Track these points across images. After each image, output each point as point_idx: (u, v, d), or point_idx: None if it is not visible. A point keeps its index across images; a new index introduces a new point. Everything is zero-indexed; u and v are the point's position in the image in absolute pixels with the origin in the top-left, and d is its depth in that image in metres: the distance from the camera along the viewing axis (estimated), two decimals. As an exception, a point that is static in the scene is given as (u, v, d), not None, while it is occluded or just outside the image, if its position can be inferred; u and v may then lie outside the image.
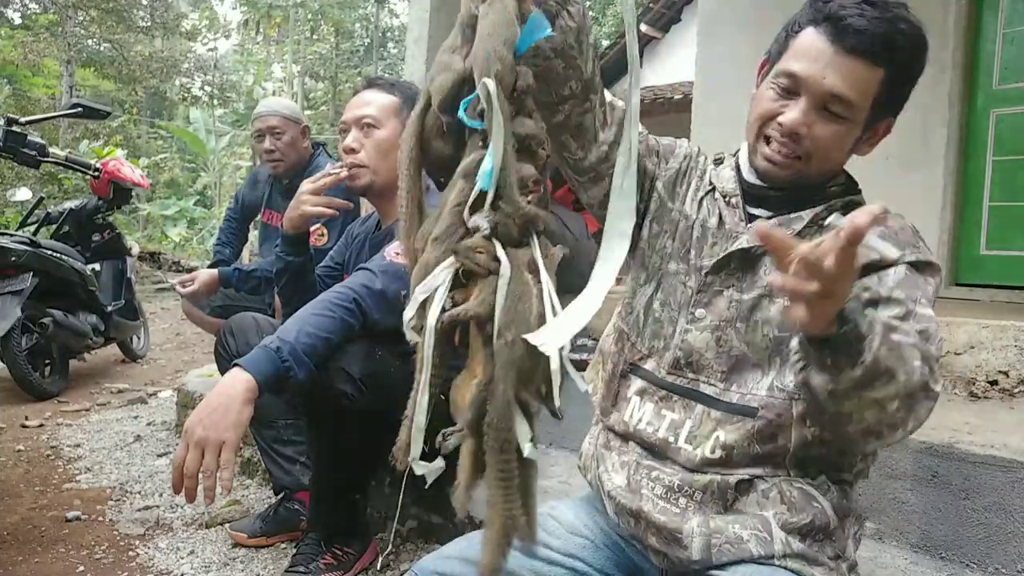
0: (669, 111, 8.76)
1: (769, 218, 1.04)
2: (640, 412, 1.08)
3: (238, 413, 1.28)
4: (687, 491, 1.00)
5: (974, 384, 2.12)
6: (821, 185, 1.04)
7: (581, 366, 2.53)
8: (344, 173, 1.79)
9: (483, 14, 0.85)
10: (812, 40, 0.97)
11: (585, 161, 1.07)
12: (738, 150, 1.13)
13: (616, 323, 1.18)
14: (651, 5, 10.60)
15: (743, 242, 1.03)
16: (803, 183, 1.02)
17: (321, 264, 2.06)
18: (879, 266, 0.95)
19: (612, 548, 1.11)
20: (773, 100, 1.00)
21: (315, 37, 21.67)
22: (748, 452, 0.99)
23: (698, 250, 1.07)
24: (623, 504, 1.05)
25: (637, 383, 1.10)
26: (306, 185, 1.80)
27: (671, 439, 1.03)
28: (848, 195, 1.05)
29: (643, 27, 10.76)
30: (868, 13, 0.94)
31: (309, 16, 20.32)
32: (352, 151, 1.78)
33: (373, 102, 1.80)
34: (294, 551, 1.79)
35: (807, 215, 1.02)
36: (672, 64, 10.25)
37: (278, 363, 1.40)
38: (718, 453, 1.00)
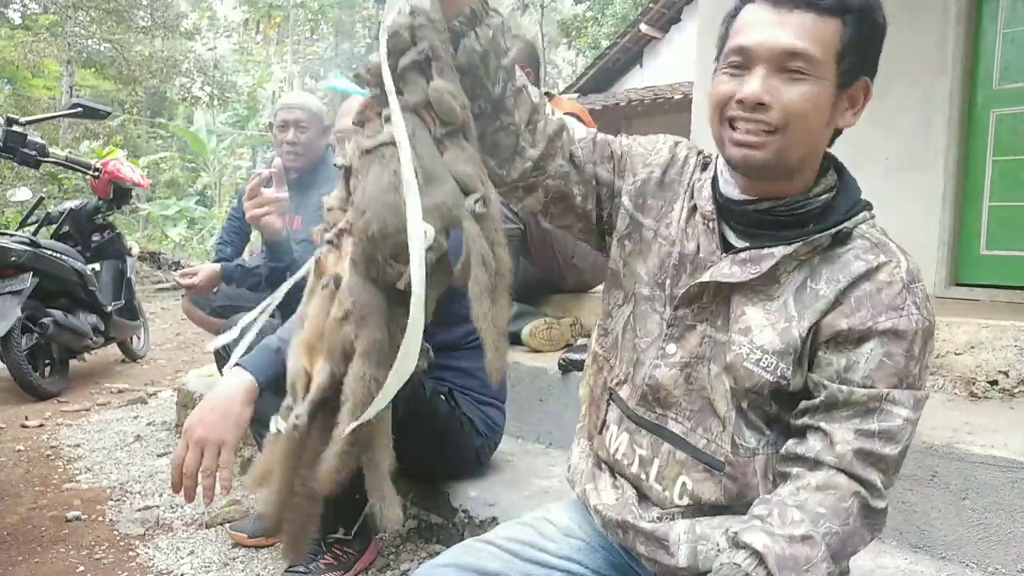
0: (669, 111, 8.77)
1: (743, 249, 0.95)
2: (618, 441, 1.05)
3: (238, 414, 1.27)
4: (669, 516, 1.00)
5: (974, 384, 2.12)
6: (805, 190, 0.95)
7: (581, 365, 2.52)
8: (266, 173, 1.80)
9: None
10: (752, 12, 0.92)
11: (508, 177, 1.00)
12: (716, 154, 1.05)
13: (593, 347, 1.14)
14: (651, 5, 10.60)
15: (707, 277, 0.95)
16: (783, 167, 0.92)
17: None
18: (850, 337, 0.89)
19: (608, 549, 1.10)
20: (727, 82, 0.92)
21: (315, 37, 21.68)
22: (716, 505, 0.97)
23: (675, 279, 1.01)
24: (610, 517, 1.04)
25: (615, 410, 1.07)
26: (245, 199, 1.81)
27: (643, 476, 1.02)
28: (839, 215, 0.93)
29: (643, 27, 10.77)
30: None
31: (309, 16, 20.33)
32: None
33: None
34: (294, 551, 1.78)
35: (779, 252, 0.92)
36: (672, 64, 10.26)
37: (278, 363, 1.39)
38: (686, 500, 0.98)
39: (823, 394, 0.90)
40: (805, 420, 0.92)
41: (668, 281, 1.01)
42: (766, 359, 0.92)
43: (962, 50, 3.44)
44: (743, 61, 0.91)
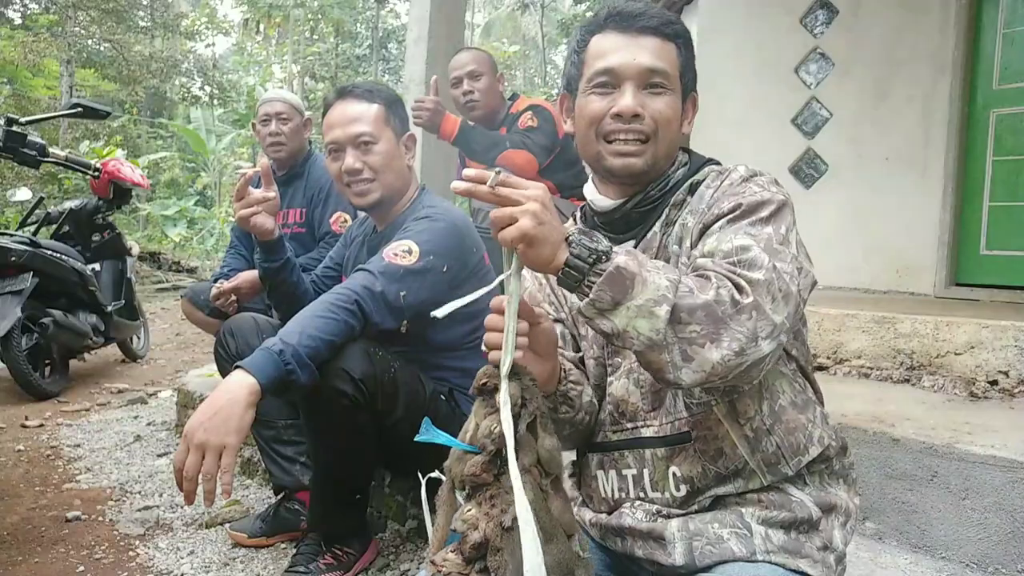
0: (669, 111, 8.75)
1: (634, 245, 1.06)
2: (608, 482, 1.10)
3: (240, 417, 1.26)
4: (665, 514, 1.03)
5: (974, 384, 2.12)
6: (667, 174, 1.07)
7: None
8: (250, 173, 1.80)
9: None
10: (605, 40, 1.05)
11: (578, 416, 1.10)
12: (577, 208, 1.18)
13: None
14: (651, 5, 10.60)
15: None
16: (656, 170, 1.05)
17: (322, 265, 2.06)
18: (704, 230, 0.98)
19: (603, 551, 1.12)
20: (598, 101, 1.04)
21: (315, 37, 21.67)
22: (708, 475, 1.01)
23: (582, 323, 1.11)
24: (606, 525, 1.07)
25: (595, 458, 1.12)
26: (234, 200, 1.79)
27: (642, 494, 1.06)
28: (691, 176, 1.07)
29: (643, 27, 10.75)
30: (633, 6, 1.05)
31: (309, 16, 20.32)
32: (357, 171, 1.76)
33: (362, 116, 1.76)
34: (294, 551, 1.78)
35: (658, 227, 1.05)
36: (672, 64, 10.25)
37: (281, 366, 1.39)
38: (683, 489, 1.01)
39: (692, 265, 0.96)
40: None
41: (582, 330, 1.14)
42: None
43: (962, 50, 3.44)
44: (610, 80, 1.04)
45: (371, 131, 1.76)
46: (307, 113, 2.98)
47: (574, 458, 1.22)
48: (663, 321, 0.83)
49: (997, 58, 3.41)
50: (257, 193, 1.77)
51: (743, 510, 0.99)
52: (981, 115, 3.46)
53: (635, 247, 1.05)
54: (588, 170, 1.15)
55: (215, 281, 2.84)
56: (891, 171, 3.61)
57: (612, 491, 1.09)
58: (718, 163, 1.10)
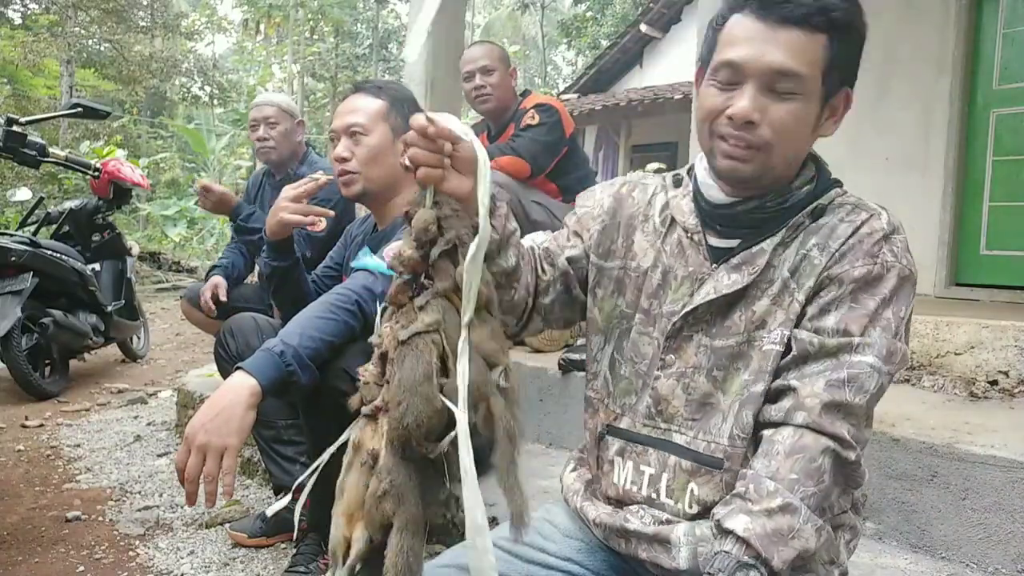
0: (669, 111, 8.76)
1: (734, 253, 0.98)
2: (624, 472, 1.06)
3: (241, 419, 1.25)
4: (670, 520, 1.00)
5: (974, 384, 2.12)
6: (788, 184, 0.98)
7: (580, 365, 2.52)
8: (324, 180, 1.79)
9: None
10: (741, 24, 0.92)
11: (521, 327, 1.09)
12: (691, 166, 1.08)
13: (585, 393, 1.16)
14: (651, 5, 10.60)
15: (711, 291, 0.98)
16: (769, 177, 0.95)
17: (322, 264, 2.06)
18: (827, 285, 0.91)
19: (607, 550, 1.10)
20: (716, 96, 0.94)
21: (315, 37, 21.67)
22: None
23: (661, 297, 1.03)
24: (611, 525, 1.04)
25: (616, 443, 1.08)
26: (287, 191, 1.79)
27: (653, 495, 1.02)
28: (817, 198, 0.97)
29: (643, 27, 10.76)
30: None
31: (309, 16, 20.31)
32: (343, 160, 1.79)
33: (360, 109, 1.79)
34: (294, 551, 1.78)
35: (768, 245, 0.96)
36: (672, 64, 10.25)
37: (282, 367, 1.39)
38: (695, 508, 0.99)
39: (795, 348, 0.92)
40: (779, 382, 0.93)
41: (654, 303, 1.04)
42: (777, 332, 0.94)
43: (962, 50, 3.44)
44: (732, 76, 0.92)
45: (364, 123, 1.78)
46: (300, 116, 2.99)
47: (565, 478, 1.19)
48: (825, 534, 0.87)
49: (997, 58, 3.42)
50: (313, 207, 1.80)
51: None
52: (981, 115, 3.46)
53: (737, 253, 0.98)
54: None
55: (210, 273, 2.88)
56: (891, 171, 3.60)
57: (624, 482, 1.06)
58: (840, 183, 1.00)
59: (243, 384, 1.32)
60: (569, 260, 1.12)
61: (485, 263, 0.90)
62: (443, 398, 0.87)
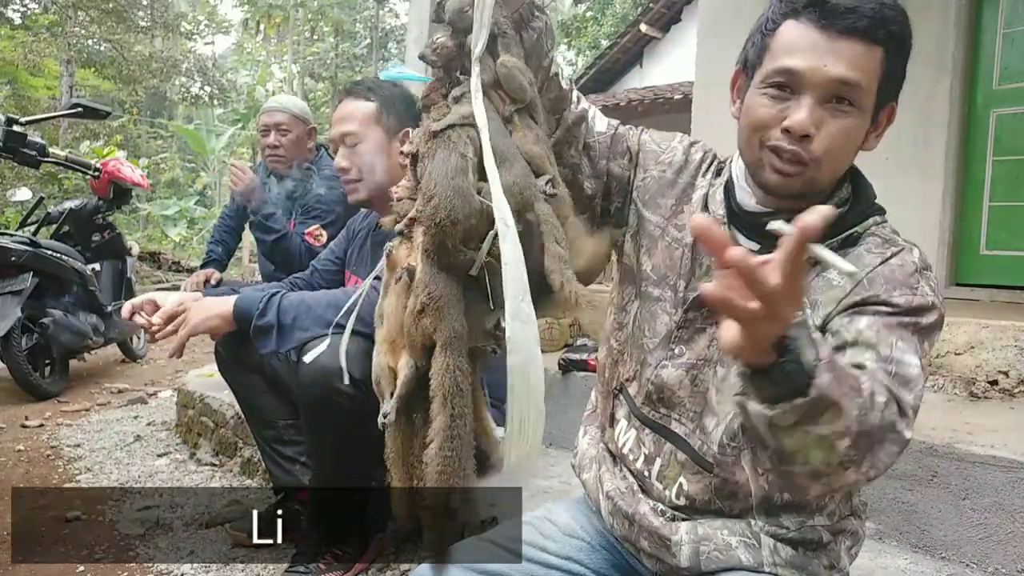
0: (669, 111, 8.76)
1: (757, 253, 0.95)
2: (626, 436, 1.05)
3: (206, 319, 1.64)
4: (671, 515, 1.00)
5: (974, 384, 2.12)
6: (822, 203, 0.91)
7: (581, 365, 2.51)
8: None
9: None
10: (798, 31, 0.88)
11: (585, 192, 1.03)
12: (728, 159, 1.03)
13: (608, 336, 1.12)
14: (651, 5, 10.59)
15: None
16: (812, 192, 0.91)
17: (321, 257, 2.07)
18: (861, 303, 0.86)
19: (608, 550, 1.10)
20: (769, 106, 0.89)
21: (315, 37, 21.68)
22: (710, 507, 0.97)
23: (687, 280, 0.99)
24: (620, 506, 1.04)
25: (624, 405, 1.07)
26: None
27: (646, 472, 1.02)
28: (850, 224, 0.92)
29: (643, 27, 10.75)
30: None
31: (309, 16, 20.32)
32: (344, 170, 1.81)
33: (352, 115, 1.81)
34: (294, 551, 1.78)
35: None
36: (672, 64, 10.25)
37: (256, 307, 1.60)
38: (683, 500, 0.98)
39: (833, 340, 0.85)
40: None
41: (680, 283, 1.00)
42: None
43: (962, 50, 3.44)
44: (789, 84, 0.88)
45: (356, 130, 1.79)
46: (312, 122, 2.95)
47: (579, 445, 1.18)
48: (839, 455, 0.71)
49: (997, 58, 3.41)
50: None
51: (752, 520, 0.96)
52: (981, 115, 3.46)
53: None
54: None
55: (206, 264, 2.92)
56: (891, 171, 3.60)
57: (625, 445, 1.05)
58: (882, 211, 0.96)
59: (226, 302, 1.66)
60: (608, 172, 1.05)
61: (527, 60, 0.83)
62: (480, 199, 0.77)
